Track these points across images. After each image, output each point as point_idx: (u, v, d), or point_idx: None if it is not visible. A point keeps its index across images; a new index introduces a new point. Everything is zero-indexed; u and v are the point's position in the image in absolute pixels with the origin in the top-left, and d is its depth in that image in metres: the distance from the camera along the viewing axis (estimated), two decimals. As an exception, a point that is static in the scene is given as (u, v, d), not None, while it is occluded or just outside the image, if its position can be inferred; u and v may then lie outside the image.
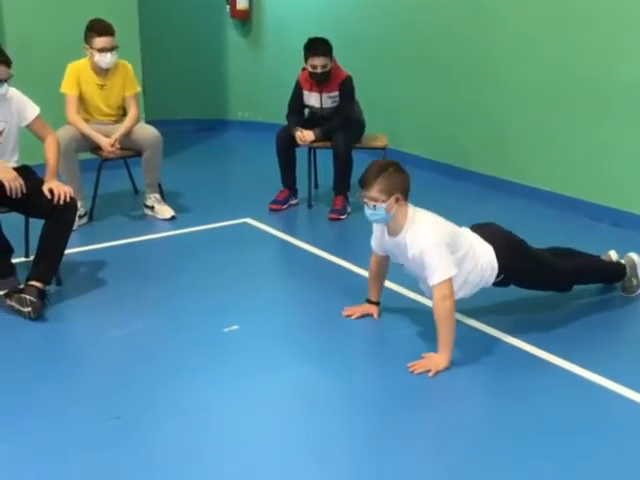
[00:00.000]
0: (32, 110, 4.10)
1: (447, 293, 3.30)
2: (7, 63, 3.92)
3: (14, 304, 3.76)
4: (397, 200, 3.36)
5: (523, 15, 5.52)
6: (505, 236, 3.67)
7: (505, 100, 5.77)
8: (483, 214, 5.26)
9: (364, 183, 3.40)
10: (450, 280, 3.31)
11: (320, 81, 5.23)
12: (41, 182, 3.93)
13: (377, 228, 3.63)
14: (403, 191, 3.38)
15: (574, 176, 5.37)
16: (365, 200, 3.40)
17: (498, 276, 3.56)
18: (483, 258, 3.52)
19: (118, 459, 2.76)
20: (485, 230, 3.66)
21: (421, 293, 3.77)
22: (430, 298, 3.51)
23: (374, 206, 3.37)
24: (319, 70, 5.17)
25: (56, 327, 3.74)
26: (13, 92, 4.07)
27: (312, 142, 5.32)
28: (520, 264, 3.63)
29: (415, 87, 6.45)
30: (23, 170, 4.03)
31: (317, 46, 5.17)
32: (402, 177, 3.41)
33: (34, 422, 2.97)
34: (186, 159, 6.80)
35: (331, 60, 5.21)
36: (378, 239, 3.64)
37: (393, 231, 3.46)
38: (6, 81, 3.91)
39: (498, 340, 3.60)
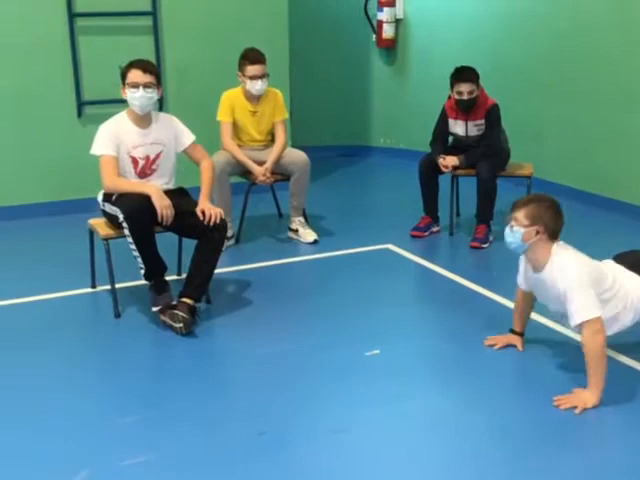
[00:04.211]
0: (188, 136, 4.29)
1: (598, 328, 3.19)
2: (151, 71, 4.06)
3: (167, 319, 3.94)
4: (537, 232, 3.30)
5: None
6: None
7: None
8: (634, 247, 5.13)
9: (516, 204, 3.39)
10: (598, 317, 3.20)
11: (466, 109, 5.21)
12: (195, 204, 4.09)
13: (522, 263, 3.58)
14: (548, 226, 3.30)
15: None
16: (508, 220, 3.40)
17: None
18: (633, 293, 3.39)
19: (263, 474, 2.82)
20: (630, 259, 3.54)
21: (568, 325, 3.66)
22: (576, 332, 3.42)
23: (512, 227, 3.34)
24: (465, 97, 5.16)
25: (205, 343, 3.89)
26: (172, 119, 4.30)
27: (455, 169, 5.31)
28: None
29: (563, 114, 6.31)
30: (179, 192, 4.23)
31: (463, 73, 5.18)
32: (553, 214, 3.33)
33: (182, 433, 3.08)
34: (330, 184, 6.94)
35: (478, 87, 5.18)
36: (522, 275, 3.60)
37: (535, 267, 3.41)
38: (150, 87, 4.04)
39: (650, 378, 3.46)
